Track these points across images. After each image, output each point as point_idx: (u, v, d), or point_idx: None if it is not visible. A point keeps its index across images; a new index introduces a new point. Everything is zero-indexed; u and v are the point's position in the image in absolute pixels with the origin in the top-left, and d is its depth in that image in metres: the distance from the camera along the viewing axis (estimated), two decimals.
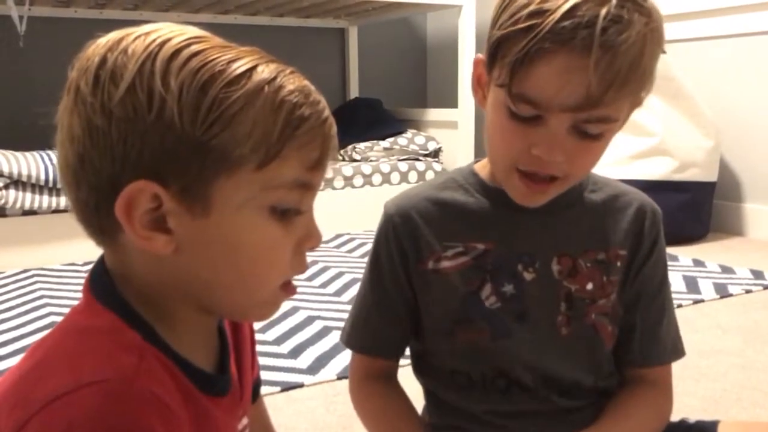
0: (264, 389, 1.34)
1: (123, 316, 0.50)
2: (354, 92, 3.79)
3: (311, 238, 0.55)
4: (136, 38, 0.49)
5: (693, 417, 0.86)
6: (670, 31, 3.01)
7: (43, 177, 2.34)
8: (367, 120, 3.34)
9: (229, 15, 3.37)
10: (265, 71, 0.50)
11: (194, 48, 0.49)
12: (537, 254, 0.78)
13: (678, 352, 0.85)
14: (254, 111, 0.48)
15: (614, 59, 0.63)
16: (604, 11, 0.63)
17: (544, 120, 0.67)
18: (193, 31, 0.51)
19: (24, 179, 2.33)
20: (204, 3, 3.14)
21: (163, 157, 0.47)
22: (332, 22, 3.74)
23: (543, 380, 0.78)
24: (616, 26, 0.63)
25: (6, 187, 2.31)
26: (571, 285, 0.78)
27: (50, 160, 2.40)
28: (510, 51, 0.66)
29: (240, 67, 0.49)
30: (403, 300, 0.81)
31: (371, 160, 3.11)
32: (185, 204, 0.49)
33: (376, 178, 3.04)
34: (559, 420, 0.79)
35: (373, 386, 0.85)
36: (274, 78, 0.50)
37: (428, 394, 0.86)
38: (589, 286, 0.78)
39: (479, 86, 0.75)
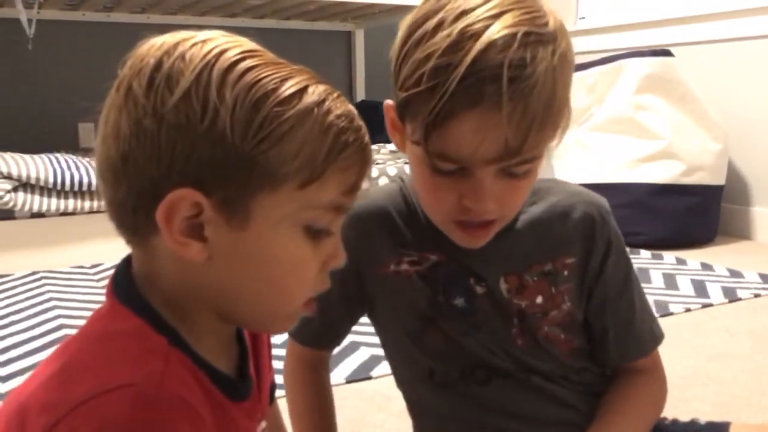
0: (277, 392, 1.34)
1: (148, 320, 0.50)
2: (360, 95, 3.80)
3: (337, 258, 0.56)
4: (193, 45, 0.50)
5: (703, 420, 0.86)
6: (678, 34, 3.01)
7: (51, 180, 2.35)
8: (374, 123, 3.29)
9: (237, 18, 3.38)
10: (314, 93, 0.51)
11: (249, 63, 0.49)
12: (484, 275, 0.77)
13: (656, 338, 0.84)
14: (303, 131, 0.49)
15: (527, 107, 0.61)
16: (507, 60, 0.60)
17: (469, 171, 0.66)
18: (248, 44, 0.52)
19: (32, 182, 2.34)
20: (211, 6, 3.15)
21: (210, 166, 0.48)
22: (339, 26, 3.75)
23: (520, 365, 0.78)
24: (522, 71, 0.60)
25: (14, 189, 2.32)
26: (521, 302, 0.77)
27: (58, 163, 2.41)
28: (419, 111, 0.64)
29: (292, 86, 0.50)
30: (342, 299, 0.81)
31: (378, 163, 3.12)
32: (225, 215, 0.49)
33: (383, 181, 3.04)
34: (546, 408, 0.78)
35: (303, 375, 0.88)
36: (324, 101, 0.51)
37: (411, 403, 0.86)
38: (539, 300, 0.78)
39: (395, 131, 0.72)
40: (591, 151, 2.69)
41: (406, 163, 3.14)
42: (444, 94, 0.61)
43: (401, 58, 0.66)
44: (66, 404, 0.44)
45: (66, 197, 2.37)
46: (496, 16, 0.62)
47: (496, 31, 0.61)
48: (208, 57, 0.49)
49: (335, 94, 0.52)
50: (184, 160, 0.48)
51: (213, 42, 0.50)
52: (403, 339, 0.80)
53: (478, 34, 0.61)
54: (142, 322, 0.50)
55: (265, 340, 0.66)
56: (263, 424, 0.62)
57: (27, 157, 2.41)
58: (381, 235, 0.78)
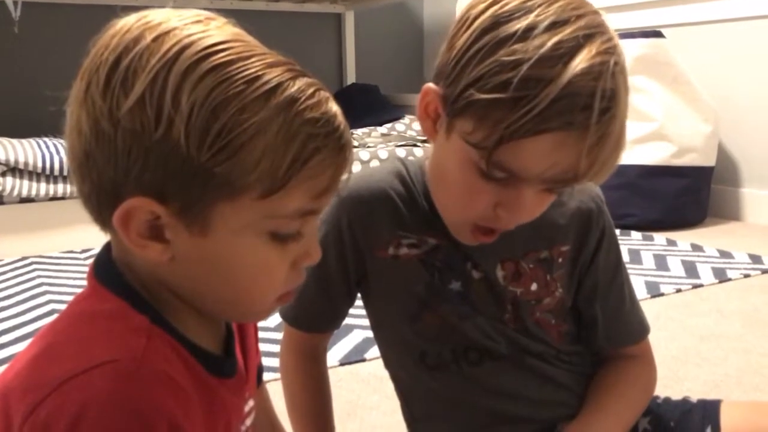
0: (267, 375, 1.33)
1: (129, 300, 0.50)
2: (351, 78, 3.78)
3: (309, 256, 0.54)
4: (155, 39, 0.47)
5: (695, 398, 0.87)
6: (670, 15, 3.00)
7: (40, 164, 2.33)
8: (364, 106, 3.33)
9: (226, 0, 3.35)
10: (286, 93, 0.47)
11: (213, 61, 0.46)
12: (481, 261, 0.77)
13: (644, 330, 0.85)
14: (265, 140, 0.46)
15: (605, 143, 0.61)
16: (600, 90, 0.59)
17: (515, 184, 0.64)
18: (220, 34, 0.48)
19: (21, 167, 2.32)
20: None
21: (166, 175, 0.46)
22: (329, 7, 3.72)
23: (514, 346, 0.78)
24: (611, 103, 0.60)
25: (3, 174, 2.30)
26: (516, 289, 0.77)
27: (47, 147, 2.39)
28: (493, 117, 0.60)
29: (260, 88, 0.47)
30: (342, 279, 0.81)
31: (369, 147, 3.11)
32: (184, 222, 0.48)
33: (374, 165, 3.03)
34: (539, 388, 0.79)
35: (301, 363, 0.87)
36: (296, 101, 0.47)
37: (400, 384, 0.86)
38: (534, 287, 0.78)
39: (427, 116, 0.70)
40: None
41: (397, 146, 3.13)
42: (533, 109, 0.58)
43: (475, 51, 0.62)
44: (49, 384, 0.44)
45: (55, 182, 2.35)
46: (588, 38, 0.61)
47: (590, 56, 0.60)
48: (168, 56, 0.46)
49: (311, 91, 0.49)
50: (140, 166, 0.46)
51: (177, 35, 0.47)
52: (397, 321, 0.80)
53: (570, 54, 0.59)
54: (122, 302, 0.50)
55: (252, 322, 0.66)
56: (251, 402, 0.62)
57: (15, 141, 2.38)
58: (381, 216, 0.78)
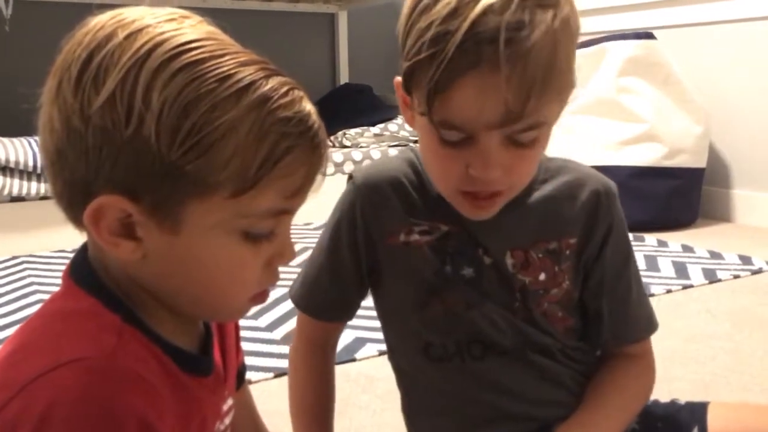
0: (257, 375, 1.34)
1: (102, 299, 0.50)
2: (344, 78, 3.78)
3: (283, 256, 0.53)
4: (127, 37, 0.47)
5: (683, 400, 0.87)
6: (661, 17, 3.02)
7: (31, 163, 2.33)
8: (357, 106, 3.33)
9: None
10: (258, 92, 0.47)
11: (185, 59, 0.46)
12: (491, 247, 0.78)
13: (651, 326, 0.85)
14: (236, 139, 0.46)
15: (525, 69, 0.61)
16: (504, 22, 0.60)
17: (474, 140, 0.66)
18: (192, 33, 0.48)
19: (12, 165, 2.31)
20: None
21: (136, 173, 0.46)
22: (322, 7, 3.72)
23: (519, 338, 0.78)
24: (519, 33, 0.61)
25: None
26: (524, 277, 0.78)
27: (38, 146, 2.38)
28: (421, 81, 0.64)
29: (232, 86, 0.46)
30: (355, 267, 0.81)
31: (361, 147, 3.11)
32: (155, 219, 0.48)
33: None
34: (539, 386, 0.79)
35: (310, 354, 0.87)
36: (267, 100, 0.47)
37: (402, 376, 0.86)
38: (542, 277, 0.78)
39: (406, 107, 0.73)
40: (574, 133, 2.70)
41: (390, 146, 3.14)
42: (443, 60, 0.61)
43: (406, 30, 0.67)
44: (19, 382, 0.44)
45: (46, 181, 2.35)
46: None
47: None
48: (139, 53, 0.46)
49: (285, 90, 0.49)
50: (111, 164, 0.46)
51: (149, 33, 0.47)
52: (404, 310, 0.80)
53: (474, 2, 0.61)
54: (95, 301, 0.50)
55: (232, 322, 0.66)
56: (230, 401, 0.62)
57: (5, 140, 2.38)
58: (393, 203, 0.79)
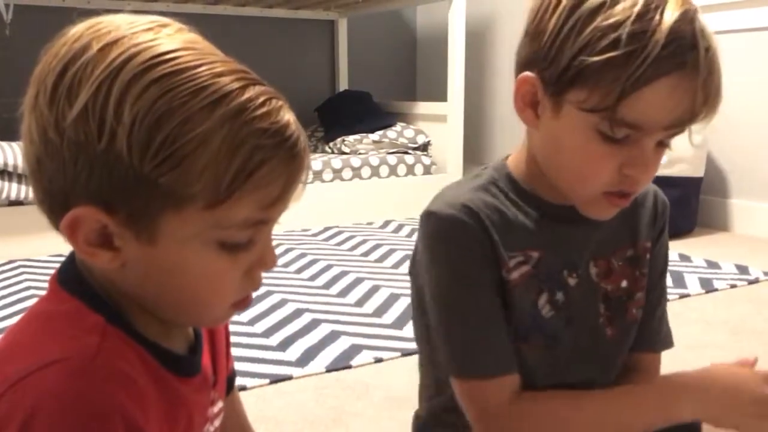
0: (252, 381, 1.34)
1: (86, 301, 0.51)
2: (343, 85, 3.78)
3: (264, 263, 0.53)
4: (101, 48, 0.47)
5: None
6: None
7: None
8: (357, 113, 3.33)
9: (219, 5, 3.35)
10: (233, 104, 0.46)
11: (160, 70, 0.46)
12: (577, 260, 0.78)
13: (669, 342, 0.87)
14: (209, 152, 0.46)
15: (713, 75, 0.66)
16: (698, 30, 0.64)
17: (635, 139, 0.67)
18: (168, 43, 0.47)
19: (10, 169, 2.31)
20: None
21: (111, 186, 0.47)
22: (322, 14, 3.73)
23: (604, 363, 0.80)
24: (711, 41, 0.66)
25: None
26: (606, 285, 0.79)
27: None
28: (606, 76, 0.64)
29: (206, 98, 0.46)
30: (498, 308, 0.74)
31: (360, 153, 3.11)
32: (132, 230, 0.48)
33: (365, 171, 3.03)
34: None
35: (521, 404, 0.74)
36: (242, 111, 0.47)
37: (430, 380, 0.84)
38: (624, 284, 0.80)
39: (526, 105, 0.72)
40: None
41: (389, 153, 3.13)
42: (646, 59, 0.63)
43: (570, 26, 0.66)
44: (3, 383, 0.45)
45: None
46: None
47: (679, 5, 0.65)
48: (112, 66, 0.46)
49: (262, 100, 0.48)
50: (87, 176, 0.47)
51: (124, 44, 0.47)
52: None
53: (661, 7, 0.64)
54: (79, 302, 0.50)
55: (222, 326, 0.66)
56: (220, 404, 0.62)
57: (4, 144, 2.38)
58: (495, 234, 0.74)
